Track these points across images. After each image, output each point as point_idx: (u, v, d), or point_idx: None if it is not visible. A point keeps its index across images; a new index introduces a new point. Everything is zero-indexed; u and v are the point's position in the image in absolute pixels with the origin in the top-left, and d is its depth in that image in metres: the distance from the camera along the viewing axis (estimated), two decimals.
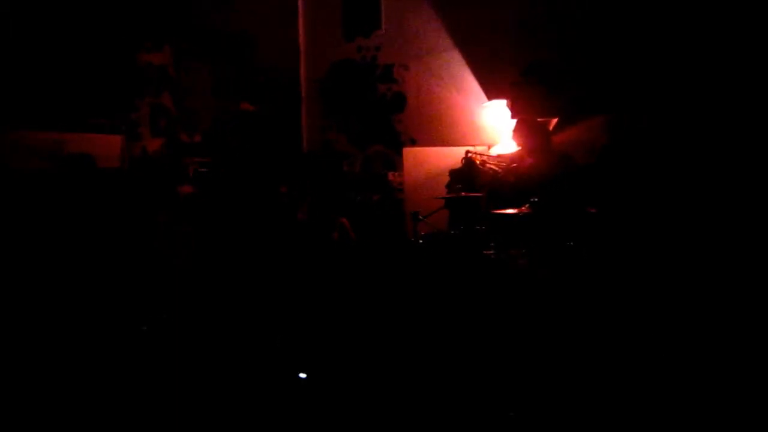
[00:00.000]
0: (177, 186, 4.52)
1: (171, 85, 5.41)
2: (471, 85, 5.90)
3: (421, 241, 4.68)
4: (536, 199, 4.10)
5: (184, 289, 3.81)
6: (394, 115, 5.98)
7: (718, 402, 2.81)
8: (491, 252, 4.25)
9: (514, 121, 5.16)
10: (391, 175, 5.95)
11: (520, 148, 4.63)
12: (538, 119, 4.85)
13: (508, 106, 5.67)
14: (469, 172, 5.40)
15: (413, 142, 5.94)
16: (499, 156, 5.52)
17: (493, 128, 5.84)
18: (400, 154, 5.93)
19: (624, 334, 3.36)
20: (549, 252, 3.89)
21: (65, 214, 3.71)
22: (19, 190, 3.67)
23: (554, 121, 5.16)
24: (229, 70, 5.87)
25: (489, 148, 5.73)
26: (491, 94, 5.83)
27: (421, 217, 4.83)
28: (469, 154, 5.48)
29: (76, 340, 3.38)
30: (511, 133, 5.30)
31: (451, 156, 5.61)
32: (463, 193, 4.88)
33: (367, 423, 2.95)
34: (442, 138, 5.85)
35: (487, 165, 5.40)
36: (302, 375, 3.44)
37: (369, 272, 4.57)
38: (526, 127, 4.47)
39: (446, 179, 5.59)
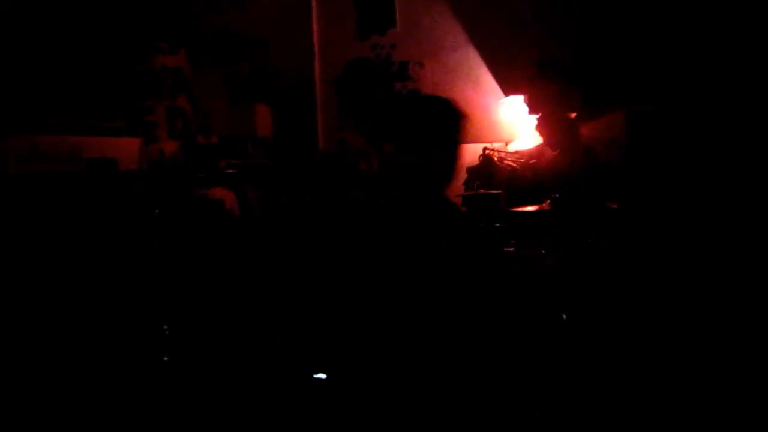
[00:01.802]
0: (204, 188, 4.54)
1: (187, 87, 5.41)
2: (487, 81, 5.85)
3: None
4: (557, 196, 4.05)
5: (185, 289, 3.81)
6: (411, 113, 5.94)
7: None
8: (511, 249, 4.21)
9: (536, 116, 5.12)
10: None
11: (543, 142, 4.58)
12: (560, 115, 4.80)
13: (525, 101, 5.62)
14: (486, 168, 5.36)
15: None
16: (517, 152, 5.48)
17: (511, 124, 5.79)
18: None
19: (644, 332, 3.30)
20: (569, 248, 3.84)
21: (87, 216, 3.73)
22: (37, 194, 3.69)
23: (573, 116, 5.09)
24: (245, 71, 5.87)
25: (507, 144, 5.68)
26: (508, 90, 5.78)
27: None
28: (487, 151, 5.45)
29: (88, 338, 3.40)
30: (534, 128, 5.28)
31: (469, 153, 5.56)
32: (481, 191, 4.84)
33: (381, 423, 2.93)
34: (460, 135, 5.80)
35: (505, 161, 5.35)
36: (320, 375, 3.42)
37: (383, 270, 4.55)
38: (550, 122, 4.42)
39: (464, 176, 5.55)
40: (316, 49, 6.17)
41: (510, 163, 5.32)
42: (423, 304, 3.92)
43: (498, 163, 5.34)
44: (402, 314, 3.85)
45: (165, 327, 3.59)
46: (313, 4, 6.19)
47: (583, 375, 3.11)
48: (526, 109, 5.55)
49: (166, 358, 3.46)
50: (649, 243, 3.88)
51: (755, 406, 2.70)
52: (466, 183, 5.50)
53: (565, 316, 3.51)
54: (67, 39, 4.44)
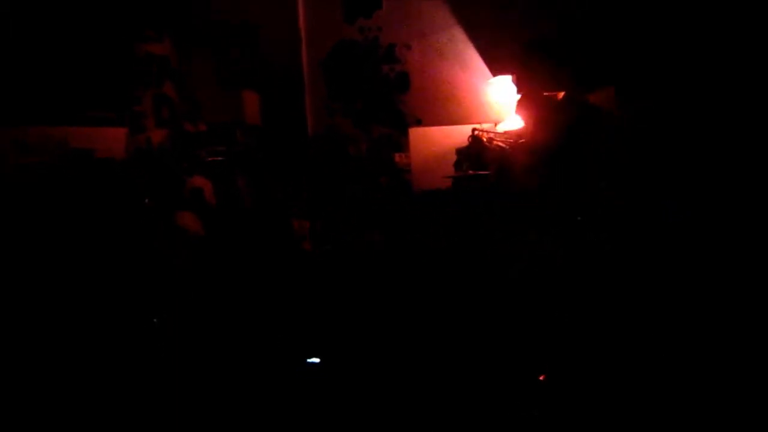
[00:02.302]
0: (185, 177, 4.51)
1: (173, 75, 5.37)
2: (475, 61, 5.82)
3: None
4: (544, 175, 4.05)
5: (186, 285, 3.81)
6: (399, 96, 5.92)
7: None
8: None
9: (518, 96, 5.10)
10: (397, 157, 5.90)
11: (524, 123, 4.56)
12: (545, 93, 4.79)
13: (513, 81, 5.60)
14: (476, 150, 5.36)
15: (419, 122, 5.88)
16: (506, 132, 5.46)
17: (500, 105, 5.77)
18: (405, 134, 5.87)
19: (635, 315, 3.31)
20: (558, 228, 3.85)
21: (65, 207, 3.72)
22: (21, 186, 3.68)
23: (561, 94, 5.08)
24: (232, 57, 5.83)
25: (496, 125, 5.66)
26: (496, 70, 5.75)
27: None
28: (476, 132, 5.44)
29: (83, 334, 3.39)
30: (515, 109, 5.25)
31: (458, 134, 5.55)
32: (470, 172, 4.84)
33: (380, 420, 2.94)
34: (448, 117, 5.78)
35: (495, 142, 5.35)
36: (314, 360, 3.43)
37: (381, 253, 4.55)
38: (530, 102, 4.41)
39: (454, 158, 5.54)
40: (303, 33, 6.13)
41: (499, 143, 5.32)
42: (423, 301, 3.94)
43: (487, 143, 5.33)
44: (401, 311, 3.86)
45: (156, 319, 3.60)
46: None
47: (582, 373, 3.11)
48: (515, 89, 5.53)
49: (162, 349, 3.46)
50: (650, 241, 3.87)
51: (755, 404, 2.70)
52: (456, 164, 5.50)
53: (564, 315, 3.51)
54: (53, 30, 4.40)
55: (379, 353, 3.49)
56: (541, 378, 2.88)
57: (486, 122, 5.61)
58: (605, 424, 2.78)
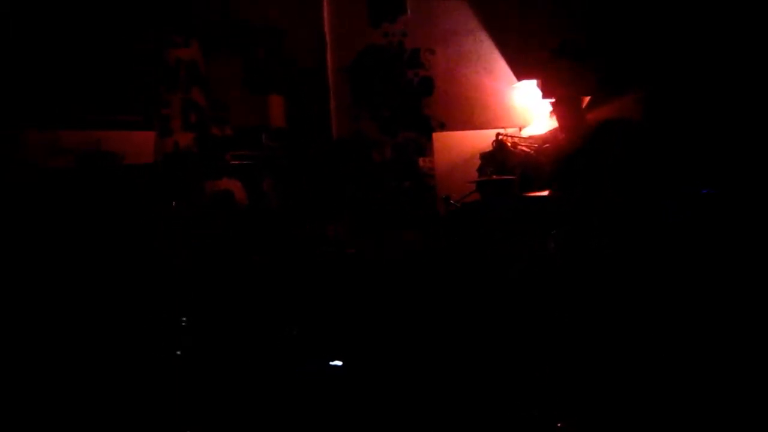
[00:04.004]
0: (212, 179, 4.58)
1: (200, 79, 5.46)
2: (500, 66, 5.80)
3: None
4: (570, 180, 4.03)
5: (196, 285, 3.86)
6: (423, 100, 5.93)
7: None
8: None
9: (550, 100, 5.08)
10: (421, 161, 5.91)
11: (557, 127, 4.54)
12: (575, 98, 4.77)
13: (538, 86, 5.57)
14: (500, 154, 5.35)
15: (442, 127, 5.88)
16: (530, 137, 5.44)
17: (524, 109, 5.74)
18: (429, 139, 5.88)
19: (635, 316, 3.28)
20: (581, 233, 3.82)
21: (88, 210, 3.79)
22: (47, 188, 3.76)
23: (587, 99, 5.05)
24: (258, 62, 5.90)
25: (520, 129, 5.65)
26: (521, 74, 5.73)
27: (452, 202, 4.80)
28: (500, 137, 5.43)
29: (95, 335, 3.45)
30: (549, 113, 5.24)
31: (482, 139, 5.55)
32: (494, 176, 4.83)
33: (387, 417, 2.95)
34: (472, 121, 5.77)
35: (519, 147, 5.33)
36: (337, 362, 3.45)
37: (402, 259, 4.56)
38: (562, 106, 4.38)
39: (477, 163, 5.54)
40: (329, 37, 6.17)
41: (523, 148, 5.30)
42: (426, 302, 3.94)
43: (511, 148, 5.31)
44: (406, 314, 3.87)
45: (182, 319, 3.64)
46: None
47: (582, 374, 3.09)
48: (540, 93, 5.51)
49: (178, 352, 3.50)
50: (650, 241, 3.83)
51: (754, 404, 2.66)
52: (480, 169, 5.49)
53: (564, 315, 3.49)
54: (84, 35, 4.51)
55: (390, 353, 3.50)
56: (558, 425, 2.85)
57: (510, 127, 5.60)
58: (606, 424, 2.76)
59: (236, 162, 4.97)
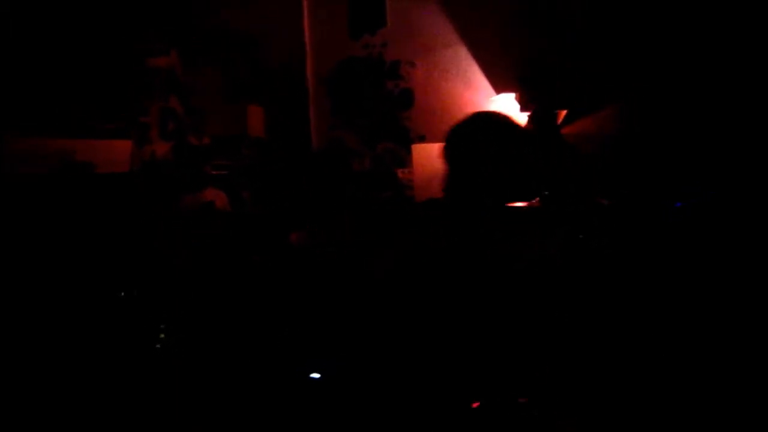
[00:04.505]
0: (196, 190, 4.54)
1: (179, 88, 5.42)
2: (478, 79, 5.86)
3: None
4: (547, 192, 4.06)
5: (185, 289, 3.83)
6: (402, 112, 5.96)
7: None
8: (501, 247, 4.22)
9: (527, 114, 5.13)
10: (400, 172, 5.93)
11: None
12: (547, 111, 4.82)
13: (516, 99, 5.63)
14: None
15: (422, 139, 5.91)
16: None
17: None
18: (408, 150, 5.90)
19: (636, 331, 3.31)
20: (559, 245, 3.85)
21: (61, 218, 3.75)
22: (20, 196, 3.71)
23: (563, 113, 5.11)
24: (237, 71, 5.88)
25: None
26: (499, 87, 5.78)
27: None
28: None
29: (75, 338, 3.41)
30: (525, 125, 5.27)
31: None
32: None
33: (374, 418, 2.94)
34: None
35: None
36: (315, 375, 3.43)
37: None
38: (537, 119, 4.43)
39: None
40: (308, 48, 6.19)
41: None
42: (420, 304, 3.93)
43: None
44: (399, 314, 3.86)
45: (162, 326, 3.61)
46: (305, 2, 6.20)
47: (580, 374, 3.11)
48: (518, 106, 5.56)
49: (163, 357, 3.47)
50: (642, 242, 3.89)
51: (754, 405, 2.70)
52: None
53: (560, 315, 3.52)
54: (59, 40, 4.45)
55: (374, 351, 3.49)
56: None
57: None
58: (604, 423, 2.78)
59: (215, 172, 4.94)
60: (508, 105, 5.74)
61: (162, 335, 3.57)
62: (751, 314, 3.25)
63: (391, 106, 5.96)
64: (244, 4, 5.86)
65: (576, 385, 3.01)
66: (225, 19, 5.74)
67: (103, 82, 4.75)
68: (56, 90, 4.39)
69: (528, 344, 3.38)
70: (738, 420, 2.65)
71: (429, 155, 5.79)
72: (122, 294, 3.67)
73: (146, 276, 3.81)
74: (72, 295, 3.56)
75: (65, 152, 4.22)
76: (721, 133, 4.13)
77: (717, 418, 2.67)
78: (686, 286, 3.52)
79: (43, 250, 3.61)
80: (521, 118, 5.61)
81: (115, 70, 4.89)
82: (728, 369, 2.94)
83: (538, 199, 4.11)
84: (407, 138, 5.94)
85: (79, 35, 4.59)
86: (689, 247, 3.74)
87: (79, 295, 3.58)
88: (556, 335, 3.38)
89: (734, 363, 2.97)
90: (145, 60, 5.18)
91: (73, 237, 3.74)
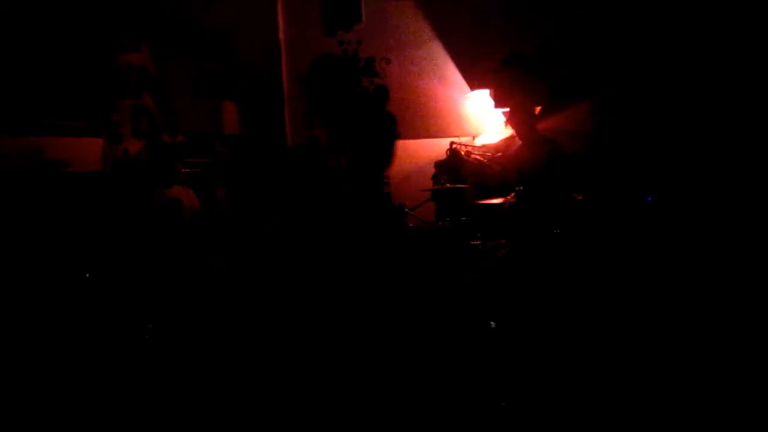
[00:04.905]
0: (165, 187, 4.47)
1: (152, 85, 5.35)
2: (453, 75, 5.89)
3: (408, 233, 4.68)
4: (521, 188, 4.09)
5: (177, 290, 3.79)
6: (378, 109, 5.94)
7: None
8: (478, 242, 4.25)
9: (506, 109, 5.17)
10: None
11: (513, 135, 4.62)
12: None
13: (491, 95, 5.67)
14: (454, 163, 5.41)
15: (397, 136, 5.91)
16: (484, 146, 5.53)
17: (477, 118, 5.84)
18: None
19: (613, 324, 3.36)
20: (535, 240, 3.89)
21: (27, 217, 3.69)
22: None
23: (538, 108, 5.16)
24: (211, 67, 5.81)
25: (473, 138, 5.73)
26: (474, 84, 5.82)
27: (407, 210, 4.83)
28: (454, 145, 5.49)
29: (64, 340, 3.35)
30: (504, 122, 5.32)
31: (436, 148, 5.61)
32: (448, 185, 4.87)
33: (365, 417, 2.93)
34: (427, 130, 5.84)
35: (472, 155, 5.40)
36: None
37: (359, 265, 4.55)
38: (517, 115, 4.45)
39: (432, 171, 5.59)
40: (283, 44, 6.14)
41: (477, 156, 5.38)
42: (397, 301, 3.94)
43: (465, 157, 5.38)
44: (377, 311, 3.86)
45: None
46: None
47: (552, 366, 3.15)
48: (492, 102, 5.60)
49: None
50: (614, 233, 3.95)
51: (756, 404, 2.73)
52: (434, 177, 5.54)
53: (530, 308, 3.55)
54: (29, 38, 4.36)
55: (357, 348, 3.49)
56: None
57: (464, 135, 5.68)
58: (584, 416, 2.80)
59: (187, 170, 4.87)
60: (482, 101, 5.79)
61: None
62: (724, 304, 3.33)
63: (367, 102, 5.95)
64: (218, 1, 5.80)
65: (557, 381, 3.04)
66: (198, 14, 5.68)
67: (71, 78, 4.66)
68: (23, 87, 4.30)
69: (508, 340, 3.42)
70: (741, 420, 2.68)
71: (405, 152, 5.80)
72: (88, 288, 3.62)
73: (112, 271, 3.76)
74: (38, 290, 3.51)
75: (33, 150, 4.14)
76: (688, 129, 4.21)
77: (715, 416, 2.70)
78: (662, 276, 3.58)
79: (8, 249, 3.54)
80: (495, 115, 5.68)
81: (85, 67, 4.80)
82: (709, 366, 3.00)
83: (512, 194, 4.16)
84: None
85: (48, 30, 4.50)
86: (662, 238, 3.81)
87: (45, 289, 3.53)
88: (536, 330, 3.43)
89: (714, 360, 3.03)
90: (117, 56, 5.10)
91: (38, 236, 3.67)
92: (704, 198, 3.94)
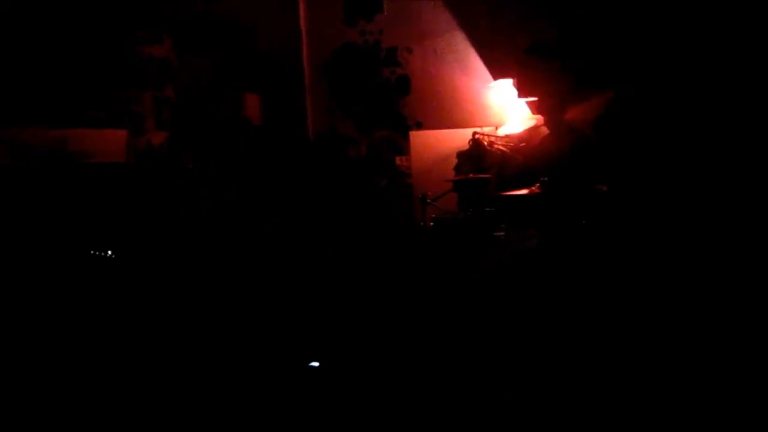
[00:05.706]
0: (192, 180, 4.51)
1: (174, 77, 5.37)
2: (476, 65, 5.81)
3: (431, 224, 4.65)
4: (546, 179, 4.05)
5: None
6: (400, 99, 5.91)
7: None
8: (501, 233, 4.21)
9: (533, 99, 5.11)
10: (398, 160, 5.90)
11: (537, 125, 4.57)
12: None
13: (514, 85, 5.59)
14: (476, 153, 5.36)
15: (419, 126, 5.87)
16: (507, 136, 5.46)
17: (500, 108, 5.76)
18: (406, 137, 5.87)
19: (637, 317, 3.31)
20: (560, 232, 3.84)
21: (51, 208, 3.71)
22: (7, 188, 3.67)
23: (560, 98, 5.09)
24: (233, 58, 5.82)
25: (496, 128, 5.66)
26: (497, 73, 5.74)
27: (429, 201, 4.79)
28: (477, 135, 5.44)
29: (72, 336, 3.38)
30: (528, 113, 5.25)
31: (459, 138, 5.56)
32: (471, 175, 4.84)
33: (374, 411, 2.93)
34: (449, 120, 5.78)
35: (495, 146, 5.35)
36: (314, 364, 3.42)
37: (378, 258, 4.54)
38: (543, 105, 4.39)
39: (454, 162, 5.55)
40: (304, 35, 6.12)
41: (500, 147, 5.32)
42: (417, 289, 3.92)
43: (488, 147, 5.33)
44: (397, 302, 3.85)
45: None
46: None
47: (573, 360, 3.11)
48: (515, 92, 5.53)
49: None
50: (638, 224, 3.89)
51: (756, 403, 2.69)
52: (457, 167, 5.50)
53: (553, 299, 3.51)
54: (53, 31, 4.39)
55: (364, 341, 3.47)
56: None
57: (486, 126, 5.61)
58: (590, 413, 2.77)
59: (217, 161, 4.90)
60: (505, 91, 5.71)
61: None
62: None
63: (389, 92, 5.92)
64: None
65: (576, 376, 3.01)
66: (220, 7, 5.68)
67: (94, 70, 4.69)
68: (47, 80, 4.33)
69: (531, 332, 3.39)
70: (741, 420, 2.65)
71: (427, 142, 5.78)
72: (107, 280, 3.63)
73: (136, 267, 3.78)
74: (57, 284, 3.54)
75: (57, 142, 4.17)
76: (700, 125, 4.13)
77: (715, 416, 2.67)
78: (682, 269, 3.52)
79: (29, 239, 3.57)
80: (519, 105, 5.60)
81: (108, 59, 4.83)
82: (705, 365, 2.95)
83: (537, 185, 4.11)
84: (405, 125, 5.90)
85: (71, 23, 4.53)
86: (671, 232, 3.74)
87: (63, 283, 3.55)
88: (559, 322, 3.39)
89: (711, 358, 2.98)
90: (138, 48, 5.12)
91: (62, 226, 3.70)
92: (724, 189, 3.86)
